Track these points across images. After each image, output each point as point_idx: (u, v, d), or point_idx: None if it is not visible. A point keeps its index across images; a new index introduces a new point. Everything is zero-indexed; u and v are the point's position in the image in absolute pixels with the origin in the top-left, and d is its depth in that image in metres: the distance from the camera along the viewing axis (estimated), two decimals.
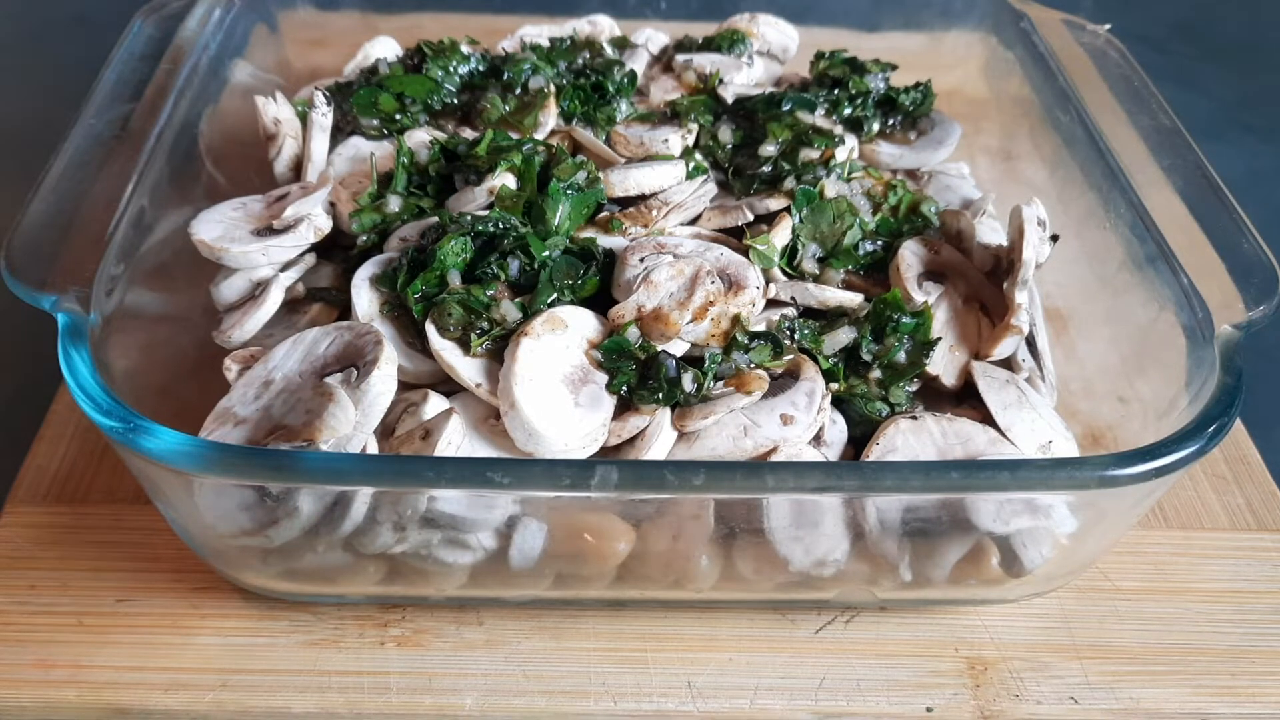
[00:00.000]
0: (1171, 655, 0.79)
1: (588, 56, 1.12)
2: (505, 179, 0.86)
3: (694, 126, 0.98)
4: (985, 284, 0.87)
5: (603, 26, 1.21)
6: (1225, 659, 0.79)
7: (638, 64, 1.11)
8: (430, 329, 0.76)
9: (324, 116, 0.95)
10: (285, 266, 0.86)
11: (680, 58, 1.11)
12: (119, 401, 0.65)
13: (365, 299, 0.80)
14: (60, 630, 0.77)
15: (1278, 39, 1.71)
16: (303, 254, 0.87)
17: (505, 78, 1.02)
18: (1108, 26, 1.08)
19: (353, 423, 0.69)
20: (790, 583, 0.77)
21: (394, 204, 0.88)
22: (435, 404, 0.74)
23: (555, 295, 0.78)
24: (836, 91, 1.05)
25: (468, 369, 0.75)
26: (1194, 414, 0.69)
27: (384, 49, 1.13)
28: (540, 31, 1.17)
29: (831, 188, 0.89)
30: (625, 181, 0.87)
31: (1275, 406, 0.97)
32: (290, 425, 0.69)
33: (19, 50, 1.53)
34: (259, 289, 0.84)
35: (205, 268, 0.87)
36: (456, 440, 0.71)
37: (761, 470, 0.66)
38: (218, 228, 0.86)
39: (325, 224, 0.87)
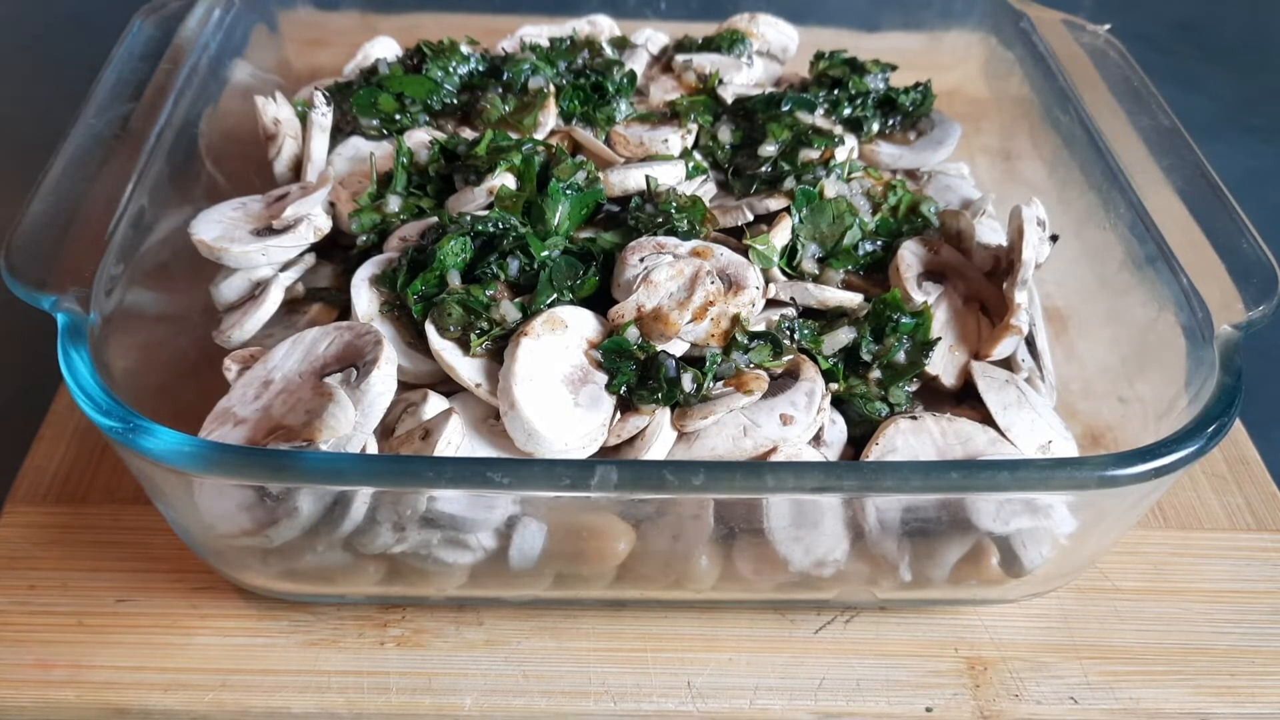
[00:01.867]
0: (1171, 655, 0.79)
1: (587, 56, 1.12)
2: (505, 179, 0.86)
3: (694, 126, 0.98)
4: (985, 284, 0.87)
5: (602, 27, 1.21)
6: (1225, 659, 0.79)
7: (638, 64, 1.11)
8: (430, 329, 0.76)
9: (324, 116, 0.95)
10: (285, 266, 0.86)
11: (680, 58, 1.11)
12: (118, 401, 0.65)
13: (365, 299, 0.80)
14: (60, 630, 0.77)
15: (1278, 39, 1.71)
16: (302, 254, 0.87)
17: (505, 78, 1.02)
18: (1107, 26, 1.07)
19: (353, 422, 0.69)
20: (790, 582, 0.77)
21: (393, 204, 0.88)
22: (435, 404, 0.75)
23: (555, 295, 0.78)
24: (836, 92, 1.05)
25: (467, 369, 0.75)
26: (1194, 414, 0.69)
27: (384, 49, 1.13)
28: (540, 31, 1.17)
29: (831, 188, 0.89)
30: (625, 181, 0.87)
31: (1275, 407, 0.97)
32: (290, 425, 0.69)
33: (19, 50, 1.53)
34: (259, 289, 0.85)
35: (205, 268, 0.87)
36: (456, 440, 0.71)
37: (761, 470, 0.66)
38: (217, 228, 0.86)
39: (325, 224, 0.87)
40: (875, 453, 0.75)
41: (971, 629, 0.80)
